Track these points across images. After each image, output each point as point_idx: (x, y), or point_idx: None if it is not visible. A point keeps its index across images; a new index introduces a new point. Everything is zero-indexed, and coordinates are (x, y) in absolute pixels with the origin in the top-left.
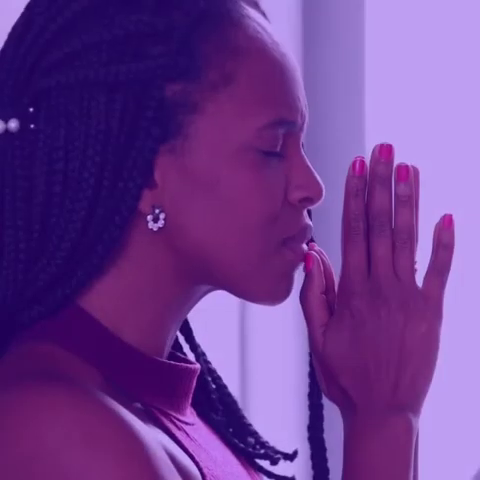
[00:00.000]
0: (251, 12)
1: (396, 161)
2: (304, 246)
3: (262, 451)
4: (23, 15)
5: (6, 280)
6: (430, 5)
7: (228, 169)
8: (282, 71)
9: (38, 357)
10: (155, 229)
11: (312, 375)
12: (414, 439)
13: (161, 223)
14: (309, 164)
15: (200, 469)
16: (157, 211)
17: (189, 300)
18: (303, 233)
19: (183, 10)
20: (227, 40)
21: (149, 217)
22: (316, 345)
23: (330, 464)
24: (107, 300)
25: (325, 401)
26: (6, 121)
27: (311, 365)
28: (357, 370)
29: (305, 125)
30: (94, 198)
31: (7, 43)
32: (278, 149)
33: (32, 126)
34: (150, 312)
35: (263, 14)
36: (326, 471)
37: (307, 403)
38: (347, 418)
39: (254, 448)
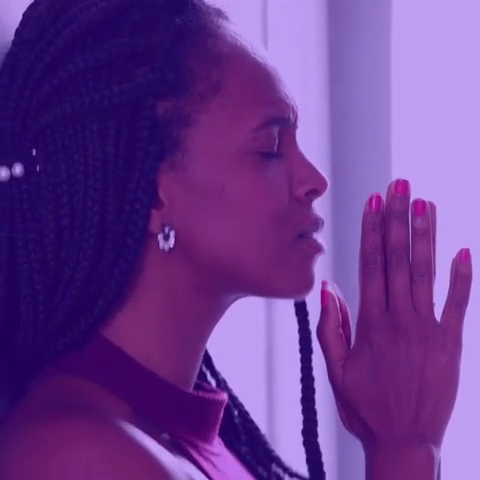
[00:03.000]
0: (223, 22)
1: (421, 193)
2: (319, 237)
3: None
4: (6, 64)
5: (26, 322)
6: (461, 18)
7: (230, 175)
8: (266, 72)
9: (64, 390)
10: (167, 249)
11: (305, 376)
12: (436, 470)
13: (172, 242)
14: (308, 158)
15: None
16: (167, 229)
17: (213, 315)
18: (315, 225)
19: (160, 29)
20: (208, 51)
21: (159, 236)
22: (336, 379)
23: None
24: (130, 328)
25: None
26: (10, 167)
27: (303, 373)
28: (377, 403)
29: (298, 121)
30: (102, 225)
31: None
32: (275, 149)
33: (38, 168)
34: (174, 335)
35: (232, 23)
36: (323, 474)
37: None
38: (368, 450)
39: (278, 477)
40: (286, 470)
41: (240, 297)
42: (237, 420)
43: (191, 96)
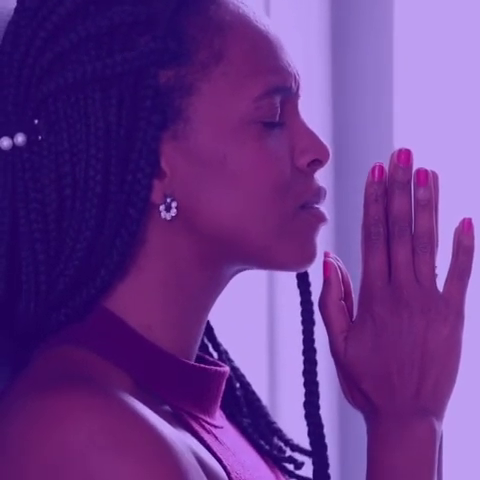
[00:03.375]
0: None
1: (423, 163)
2: (321, 207)
3: (287, 453)
4: (8, 32)
5: (28, 293)
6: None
7: (232, 145)
8: (268, 40)
9: (65, 361)
10: (168, 218)
11: (307, 349)
12: (438, 443)
13: (173, 212)
14: (310, 128)
15: (228, 473)
16: (169, 200)
17: (215, 287)
18: (317, 196)
19: None
20: (210, 19)
21: (161, 207)
22: (337, 351)
23: (355, 468)
24: (132, 299)
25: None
26: (12, 137)
27: (305, 345)
28: (380, 375)
29: (300, 90)
30: (104, 195)
31: (0, 61)
32: (277, 118)
33: (40, 137)
34: (176, 306)
35: None
36: (324, 447)
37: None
38: (370, 423)
39: (279, 450)
40: (287, 442)
41: (242, 269)
42: (239, 392)
43: (193, 65)
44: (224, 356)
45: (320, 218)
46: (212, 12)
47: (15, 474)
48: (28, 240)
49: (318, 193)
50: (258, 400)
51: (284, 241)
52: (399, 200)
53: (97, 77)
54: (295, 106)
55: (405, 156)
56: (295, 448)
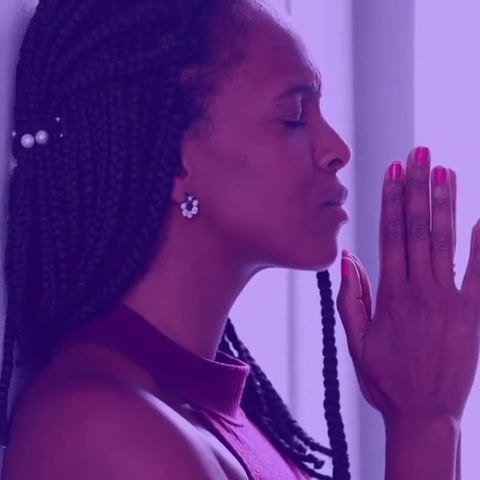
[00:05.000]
0: None
1: (443, 162)
2: (343, 206)
3: (307, 452)
4: (31, 29)
5: (49, 290)
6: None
7: (254, 143)
8: (290, 39)
9: (86, 359)
10: (190, 216)
11: (327, 348)
12: (456, 441)
13: (195, 210)
14: (332, 127)
15: (248, 471)
16: (190, 198)
17: (236, 285)
18: (339, 195)
19: None
20: (233, 18)
21: (183, 205)
22: (356, 350)
23: (375, 467)
24: (153, 298)
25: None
26: (34, 134)
27: (326, 344)
28: (398, 374)
29: (321, 89)
30: (125, 192)
31: (22, 59)
32: (299, 118)
33: (62, 135)
34: (197, 304)
35: None
36: (344, 446)
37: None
38: (389, 422)
39: (299, 449)
40: (307, 441)
41: (263, 268)
42: (259, 390)
43: (215, 63)
44: (244, 355)
45: (342, 216)
46: (234, 11)
47: (35, 471)
48: (49, 237)
49: (340, 193)
50: (278, 399)
51: (305, 239)
52: (417, 199)
53: (119, 75)
54: (316, 105)
55: (423, 155)
56: (315, 447)
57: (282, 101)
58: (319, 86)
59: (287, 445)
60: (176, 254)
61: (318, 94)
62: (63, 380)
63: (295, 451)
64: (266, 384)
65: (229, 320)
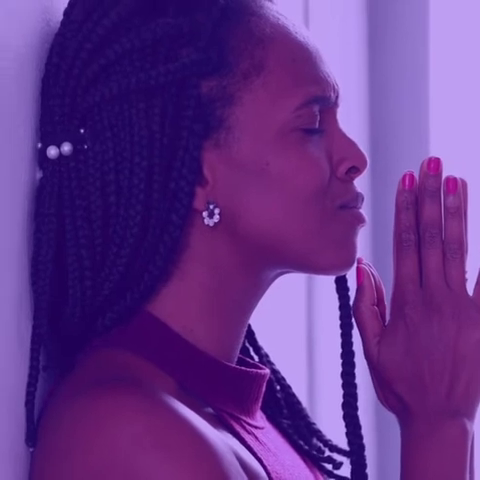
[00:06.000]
0: (266, 3)
1: (458, 169)
2: (360, 210)
3: (326, 454)
4: (55, 43)
5: (74, 297)
6: None
7: (274, 152)
8: (308, 51)
9: (111, 363)
10: (211, 224)
11: (345, 351)
12: (469, 443)
13: (216, 218)
14: (349, 136)
15: (268, 473)
16: (211, 207)
17: (256, 290)
18: (355, 199)
19: (204, 9)
20: (251, 31)
21: (204, 213)
22: (371, 355)
23: (392, 468)
24: (175, 304)
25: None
26: (59, 146)
27: (344, 348)
28: (412, 377)
29: (339, 100)
30: (147, 202)
31: (47, 73)
32: (317, 125)
33: (86, 146)
34: (219, 310)
35: (274, 3)
36: (362, 447)
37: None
38: (404, 424)
39: (318, 450)
40: (326, 443)
41: (283, 273)
42: (279, 394)
43: (235, 75)
44: (265, 359)
45: (359, 219)
46: (253, 24)
47: (62, 472)
48: (74, 246)
49: (356, 198)
50: (298, 402)
51: (325, 244)
52: (429, 207)
53: (141, 88)
54: (334, 115)
55: (435, 164)
56: (334, 448)
57: (301, 112)
58: (337, 97)
59: (306, 447)
60: (198, 261)
61: (336, 104)
62: (89, 384)
63: (314, 453)
64: (286, 388)
65: (250, 326)
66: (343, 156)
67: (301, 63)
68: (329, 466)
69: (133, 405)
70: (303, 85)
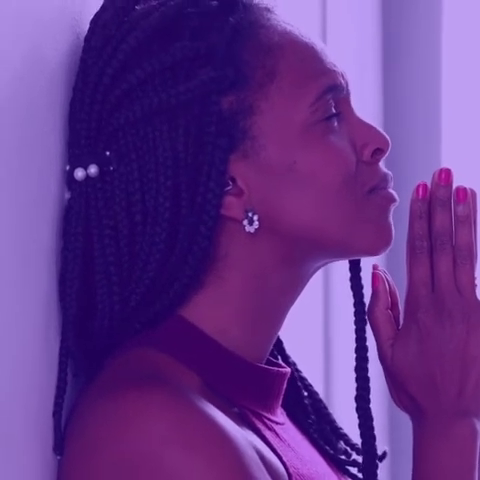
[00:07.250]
0: (272, 15)
1: (470, 175)
2: (390, 190)
3: (352, 457)
4: (80, 70)
5: (102, 312)
6: None
7: (299, 150)
8: (313, 49)
9: (141, 362)
10: (252, 231)
11: (358, 347)
12: (478, 441)
13: (256, 224)
14: (366, 121)
15: (286, 468)
16: (250, 214)
17: (295, 288)
18: (385, 180)
19: (217, 30)
20: (261, 42)
21: (244, 222)
22: (385, 357)
23: (401, 465)
24: (210, 309)
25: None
26: (86, 168)
27: (358, 343)
28: (424, 378)
29: (349, 87)
30: (173, 219)
31: (74, 97)
32: (334, 110)
33: (111, 168)
34: (254, 311)
35: (279, 16)
36: (373, 438)
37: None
38: (416, 423)
39: (345, 453)
40: (353, 447)
41: (322, 266)
42: (307, 401)
43: (251, 87)
44: (292, 367)
45: (390, 199)
46: (262, 36)
47: (90, 466)
48: (102, 263)
49: (385, 178)
50: (325, 407)
51: (362, 227)
52: (440, 216)
53: (163, 108)
54: (348, 103)
55: (446, 175)
56: (360, 452)
57: (316, 106)
58: (347, 84)
59: (332, 451)
60: (237, 268)
61: (347, 92)
62: (118, 381)
63: (341, 457)
64: (313, 395)
65: (278, 336)
66: (365, 141)
67: (308, 60)
68: (354, 469)
69: (161, 401)
70: (313, 80)
